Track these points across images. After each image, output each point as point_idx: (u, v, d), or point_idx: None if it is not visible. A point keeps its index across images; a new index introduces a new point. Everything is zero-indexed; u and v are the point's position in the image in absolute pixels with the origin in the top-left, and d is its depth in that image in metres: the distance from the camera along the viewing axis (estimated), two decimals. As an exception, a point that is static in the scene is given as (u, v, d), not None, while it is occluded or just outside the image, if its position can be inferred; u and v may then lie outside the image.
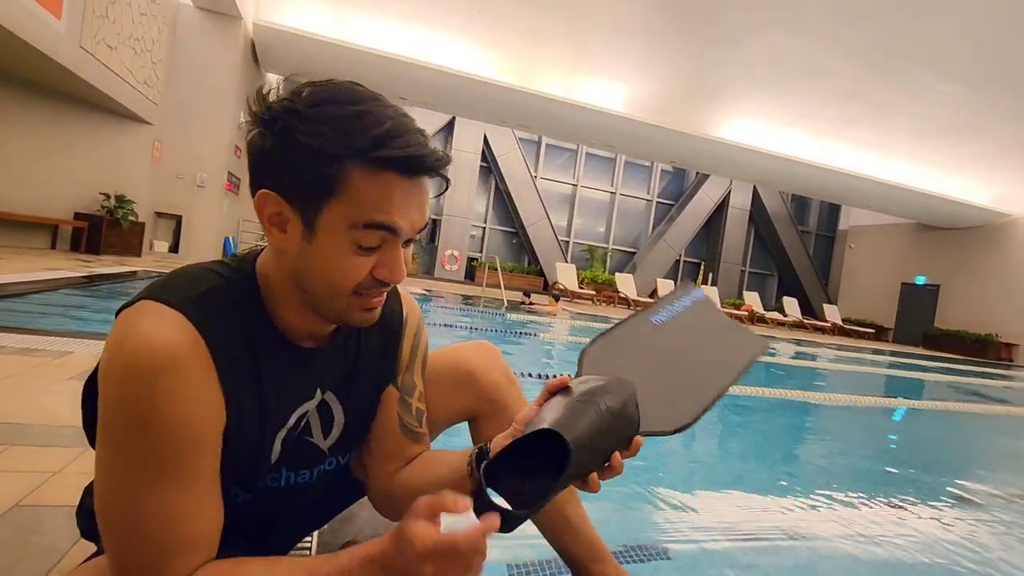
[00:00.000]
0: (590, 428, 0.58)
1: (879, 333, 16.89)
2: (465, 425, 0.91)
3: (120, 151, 7.83)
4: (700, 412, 0.65)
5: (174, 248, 9.14)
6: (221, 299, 0.60)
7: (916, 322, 16.42)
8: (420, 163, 0.57)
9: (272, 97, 0.58)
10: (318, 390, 0.70)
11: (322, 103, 0.56)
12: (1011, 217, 14.40)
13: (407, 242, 0.61)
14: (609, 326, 0.72)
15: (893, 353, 11.49)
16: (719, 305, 14.49)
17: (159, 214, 8.98)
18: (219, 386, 0.57)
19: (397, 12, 9.51)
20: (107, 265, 6.03)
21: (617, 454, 0.60)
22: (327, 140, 0.54)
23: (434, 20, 9.55)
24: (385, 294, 0.63)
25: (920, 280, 16.71)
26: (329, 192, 0.55)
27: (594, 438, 0.58)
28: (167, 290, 0.58)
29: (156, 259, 8.01)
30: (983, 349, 14.13)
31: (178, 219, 9.12)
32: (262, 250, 0.66)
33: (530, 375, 3.34)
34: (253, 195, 0.59)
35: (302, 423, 0.70)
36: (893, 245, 17.62)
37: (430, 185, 0.60)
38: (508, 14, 9.06)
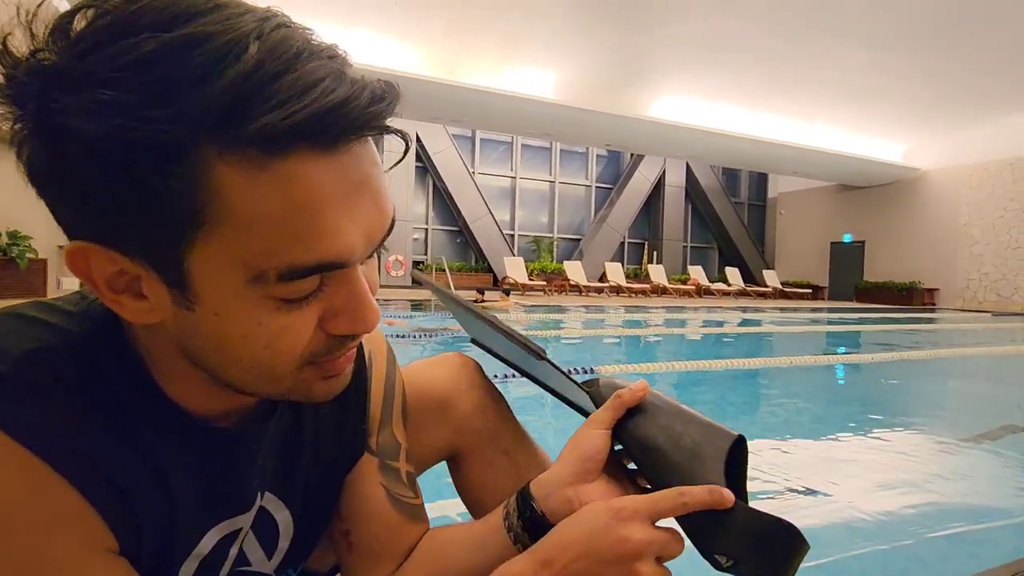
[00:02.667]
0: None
1: (815, 292, 17.74)
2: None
3: (8, 182, 6.99)
4: None
5: (86, 283, 8.33)
6: (53, 366, 0.34)
7: (847, 278, 17.36)
8: (341, 119, 0.30)
9: (26, 45, 0.29)
10: (257, 495, 0.45)
11: (107, 41, 0.28)
12: (921, 171, 15.41)
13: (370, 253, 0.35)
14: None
15: (830, 310, 12.08)
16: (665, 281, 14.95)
17: (64, 248, 8.15)
18: (79, 498, 0.33)
19: (307, 8, 9.01)
20: (4, 310, 5.34)
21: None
22: (136, 119, 0.27)
23: (348, 15, 9.11)
24: (355, 349, 0.40)
25: (847, 238, 17.66)
26: (182, 222, 0.29)
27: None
28: None
29: (65, 297, 7.24)
30: (909, 297, 15.09)
31: (87, 251, 8.31)
32: None
33: (514, 376, 3.09)
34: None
35: (232, 551, 0.45)
36: (819, 208, 18.51)
37: (372, 149, 0.33)
38: (426, 4, 8.75)
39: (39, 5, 0.31)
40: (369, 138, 0.33)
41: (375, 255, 0.37)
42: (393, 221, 0.36)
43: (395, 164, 0.38)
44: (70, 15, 0.29)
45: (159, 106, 0.27)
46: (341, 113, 0.30)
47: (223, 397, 0.41)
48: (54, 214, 0.32)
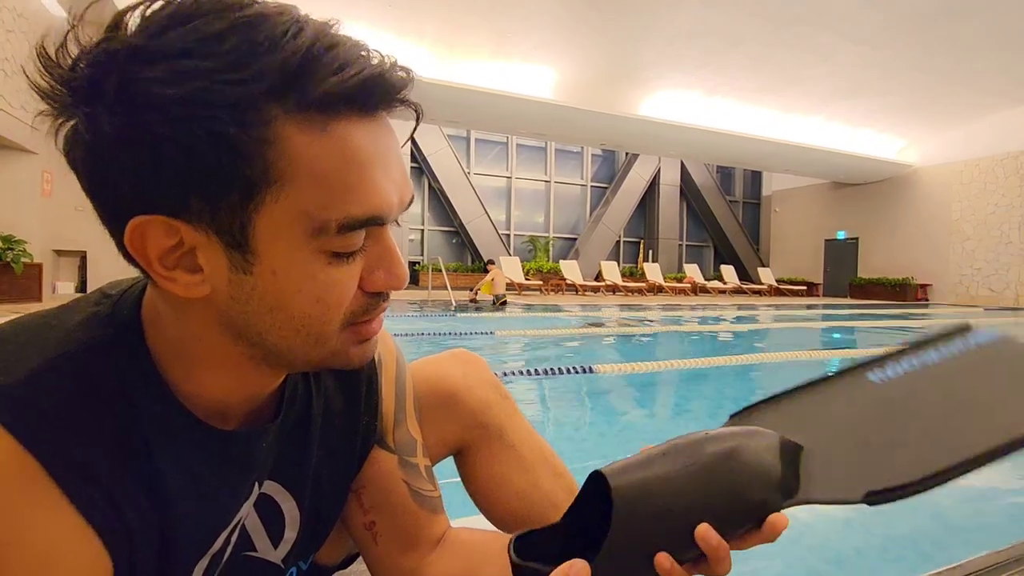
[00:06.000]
0: (658, 476, 0.39)
1: (810, 289, 17.82)
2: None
3: (2, 186, 6.97)
4: (925, 476, 0.38)
5: (82, 288, 8.30)
6: (69, 375, 0.35)
7: (841, 274, 17.43)
8: (381, 87, 0.35)
9: (73, 49, 0.32)
10: (255, 485, 0.47)
11: (174, 24, 0.32)
12: (913, 167, 15.51)
13: None
14: (778, 392, 0.46)
15: (825, 306, 12.13)
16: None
17: (59, 252, 8.11)
18: (82, 521, 0.34)
19: (301, 3, 9.02)
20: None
21: (708, 529, 0.38)
22: (217, 81, 0.31)
23: (340, 11, 9.10)
24: (385, 311, 0.43)
25: (841, 235, 17.74)
26: (256, 178, 0.32)
27: (665, 491, 0.38)
28: None
29: (61, 302, 7.21)
30: (902, 292, 15.18)
31: (82, 255, 8.28)
32: (148, 282, 0.40)
33: (515, 373, 3.11)
34: (114, 233, 0.35)
35: (234, 537, 0.46)
36: (813, 205, 18.60)
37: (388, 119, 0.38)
38: (418, 3, 8.76)
39: (87, 7, 0.34)
40: (386, 113, 0.37)
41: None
42: (412, 194, 0.40)
43: (407, 140, 0.42)
44: (124, 12, 0.33)
45: (237, 71, 0.31)
46: (381, 80, 0.35)
47: (248, 382, 0.42)
48: (110, 195, 0.34)
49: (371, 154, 0.35)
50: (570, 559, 0.39)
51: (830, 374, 0.47)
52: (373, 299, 0.39)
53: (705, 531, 0.38)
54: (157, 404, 0.39)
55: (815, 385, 0.47)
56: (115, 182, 0.33)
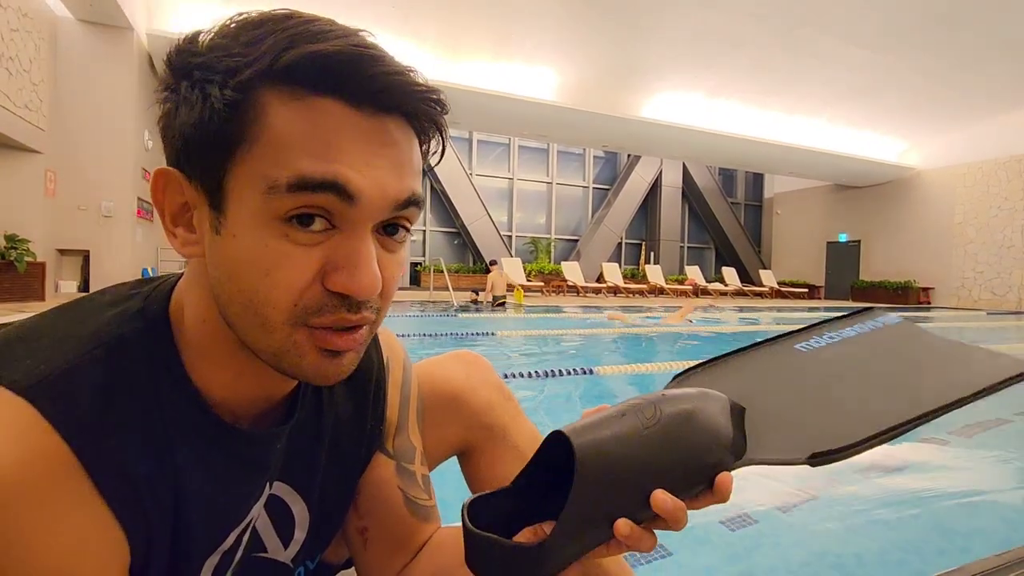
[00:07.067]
0: (618, 437, 0.38)
1: (812, 291, 17.80)
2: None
3: (6, 185, 6.99)
4: (868, 436, 0.40)
5: (84, 287, 8.32)
6: (105, 369, 0.37)
7: (843, 277, 17.41)
8: (360, 73, 0.35)
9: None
10: (266, 485, 0.48)
11: (233, 25, 0.38)
12: (916, 170, 15.49)
13: (389, 227, 0.38)
14: (712, 357, 0.50)
15: (827, 309, 12.11)
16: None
17: (62, 251, 8.13)
18: (108, 512, 0.35)
19: (300, 2, 9.04)
20: (3, 314, 5.34)
21: (664, 496, 0.37)
22: (221, 58, 0.36)
23: (342, 12, 9.12)
24: (362, 331, 0.39)
25: (843, 237, 17.72)
26: (231, 137, 0.35)
27: (626, 454, 0.38)
28: (5, 360, 0.35)
29: (63, 300, 7.22)
30: (904, 295, 15.15)
31: (85, 255, 8.30)
32: (180, 277, 0.42)
33: (515, 375, 3.12)
34: None
35: (245, 537, 0.47)
36: (815, 207, 18.58)
37: (410, 135, 0.39)
38: (419, 4, 8.77)
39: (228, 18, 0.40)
40: (413, 134, 0.38)
41: (400, 234, 0.40)
42: (417, 198, 0.39)
43: (439, 160, 0.43)
44: (232, 20, 0.39)
45: (239, 46, 0.36)
46: (358, 65, 0.35)
47: (256, 380, 0.43)
48: (165, 150, 0.40)
49: (348, 137, 0.35)
50: (521, 522, 0.40)
51: (759, 342, 0.52)
52: (332, 299, 0.36)
53: (662, 498, 0.37)
54: (181, 399, 0.40)
55: (746, 351, 0.51)
56: (163, 137, 0.39)
